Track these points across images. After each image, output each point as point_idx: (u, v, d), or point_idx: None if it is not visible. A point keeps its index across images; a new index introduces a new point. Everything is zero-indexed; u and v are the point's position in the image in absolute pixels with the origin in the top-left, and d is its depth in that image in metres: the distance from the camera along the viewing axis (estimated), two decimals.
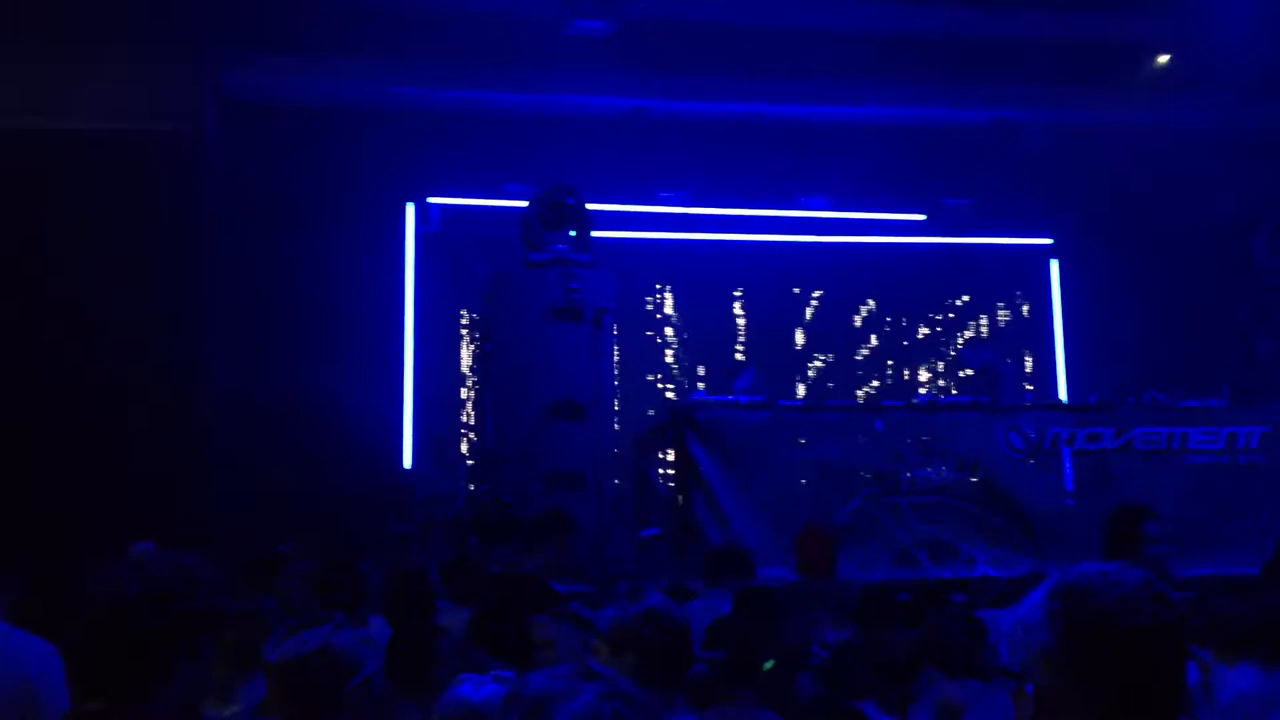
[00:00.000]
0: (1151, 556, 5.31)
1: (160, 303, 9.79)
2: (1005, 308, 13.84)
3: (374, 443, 11.41)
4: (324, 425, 10.65)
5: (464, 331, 12.49)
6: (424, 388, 12.01)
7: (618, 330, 10.35)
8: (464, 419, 12.26)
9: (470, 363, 12.36)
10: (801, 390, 13.10)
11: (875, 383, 13.38)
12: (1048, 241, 13.76)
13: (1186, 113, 12.33)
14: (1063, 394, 13.10)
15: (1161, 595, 1.83)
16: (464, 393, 12.36)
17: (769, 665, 4.26)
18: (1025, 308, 13.85)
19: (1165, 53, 12.29)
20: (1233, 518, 8.39)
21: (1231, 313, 11.62)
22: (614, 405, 10.19)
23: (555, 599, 5.22)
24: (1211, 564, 7.29)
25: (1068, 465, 8.72)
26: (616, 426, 10.19)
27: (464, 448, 12.07)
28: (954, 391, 12.53)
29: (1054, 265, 13.78)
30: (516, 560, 7.69)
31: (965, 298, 13.72)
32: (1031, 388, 13.27)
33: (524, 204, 10.08)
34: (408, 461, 11.71)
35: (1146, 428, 8.80)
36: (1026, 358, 13.70)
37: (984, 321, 13.73)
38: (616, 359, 10.66)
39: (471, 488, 9.69)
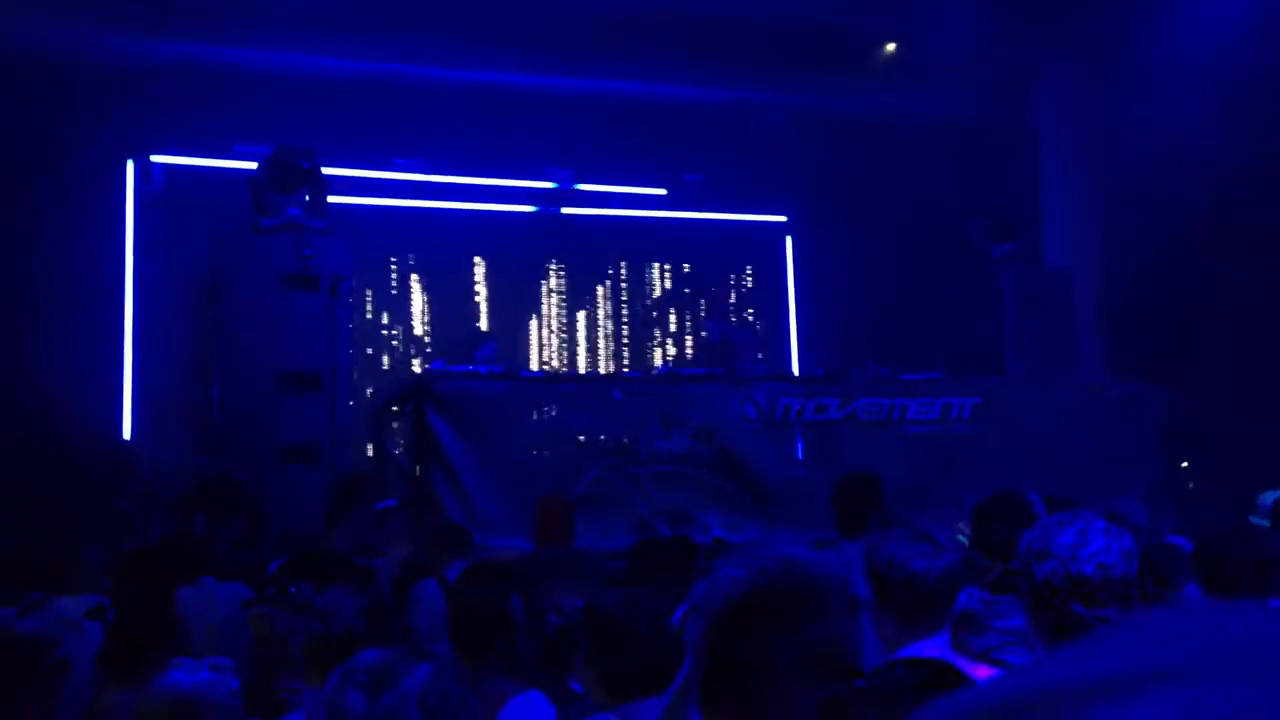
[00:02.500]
0: (892, 518, 5.58)
1: None
2: (742, 282, 14.21)
3: (91, 414, 10.75)
4: (35, 395, 9.96)
5: (190, 298, 11.89)
6: (146, 356, 11.37)
7: (355, 299, 10.08)
8: (190, 389, 11.69)
9: (197, 330, 11.78)
10: (541, 361, 13.12)
11: (615, 353, 13.52)
12: (782, 219, 14.20)
13: (912, 100, 12.92)
14: (795, 367, 13.57)
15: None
16: (190, 362, 11.78)
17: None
18: (760, 282, 14.25)
19: (892, 42, 12.83)
20: (946, 484, 8.87)
21: (949, 291, 12.27)
22: (351, 376, 9.92)
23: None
24: (925, 527, 7.68)
25: (798, 435, 9.04)
26: (353, 399, 9.93)
27: (189, 419, 11.51)
28: (692, 363, 12.77)
29: (788, 242, 14.23)
30: (245, 536, 7.42)
31: (704, 271, 14.01)
32: (761, 356, 13.65)
33: (254, 166, 9.65)
34: (128, 433, 11.09)
35: (870, 399, 9.22)
36: (759, 330, 14.12)
37: (721, 295, 14.06)
38: (354, 328, 10.38)
39: (196, 461, 9.25)
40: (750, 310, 14.14)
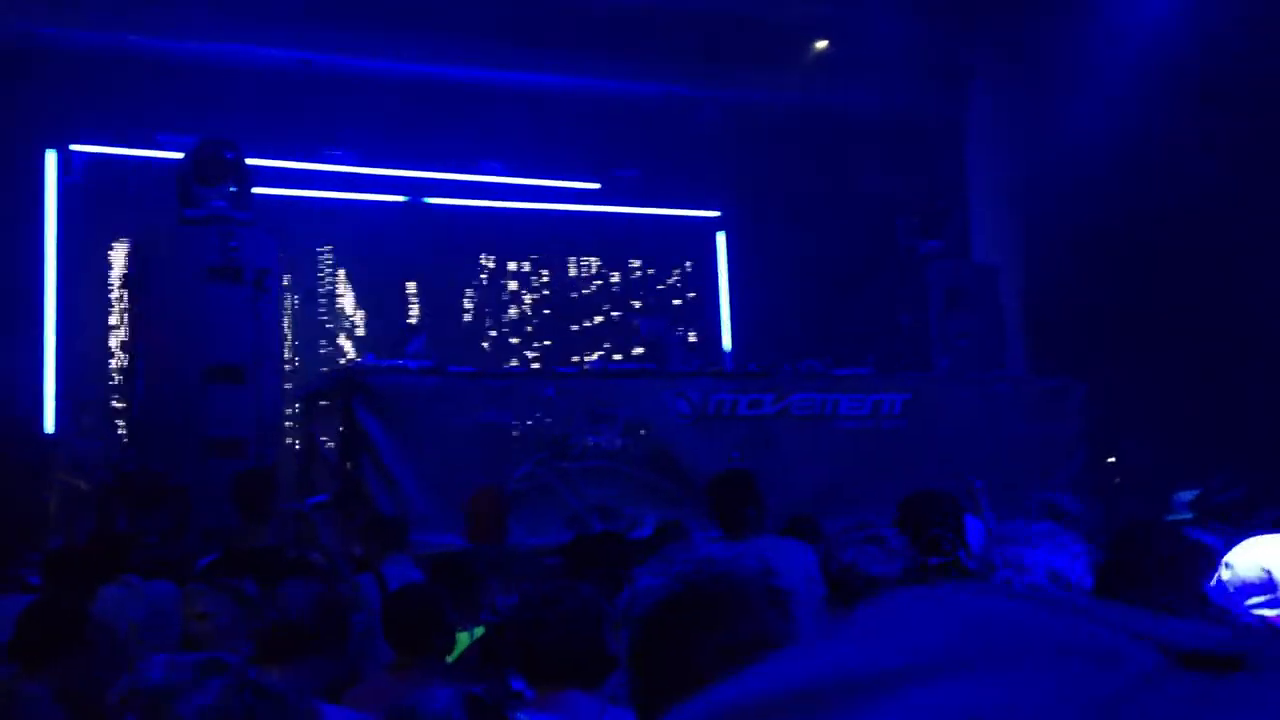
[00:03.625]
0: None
1: None
2: (674, 277, 14.22)
3: (12, 407, 10.50)
4: None
5: (112, 289, 11.66)
6: (68, 348, 11.13)
7: (284, 292, 9.94)
8: (113, 382, 11.47)
9: (120, 323, 11.56)
10: (472, 356, 13.02)
11: (547, 348, 13.46)
12: (715, 214, 14.23)
13: (843, 96, 13.01)
14: (728, 362, 13.60)
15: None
16: (113, 354, 11.56)
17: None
18: (693, 278, 14.27)
19: (824, 38, 12.92)
20: (877, 478, 8.95)
21: (879, 287, 12.38)
22: (279, 369, 9.79)
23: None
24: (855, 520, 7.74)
25: (731, 430, 9.07)
26: (280, 393, 9.80)
27: (113, 412, 11.30)
28: (623, 358, 12.76)
29: (720, 237, 14.26)
30: (168, 529, 7.31)
31: (636, 266, 14.00)
32: (694, 350, 13.64)
33: (178, 156, 9.47)
34: (50, 427, 10.85)
35: (803, 394, 9.28)
36: (692, 328, 14.13)
37: (654, 290, 14.06)
38: (280, 321, 10.24)
39: (117, 456, 9.08)
40: (680, 302, 14.14)
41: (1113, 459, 10.70)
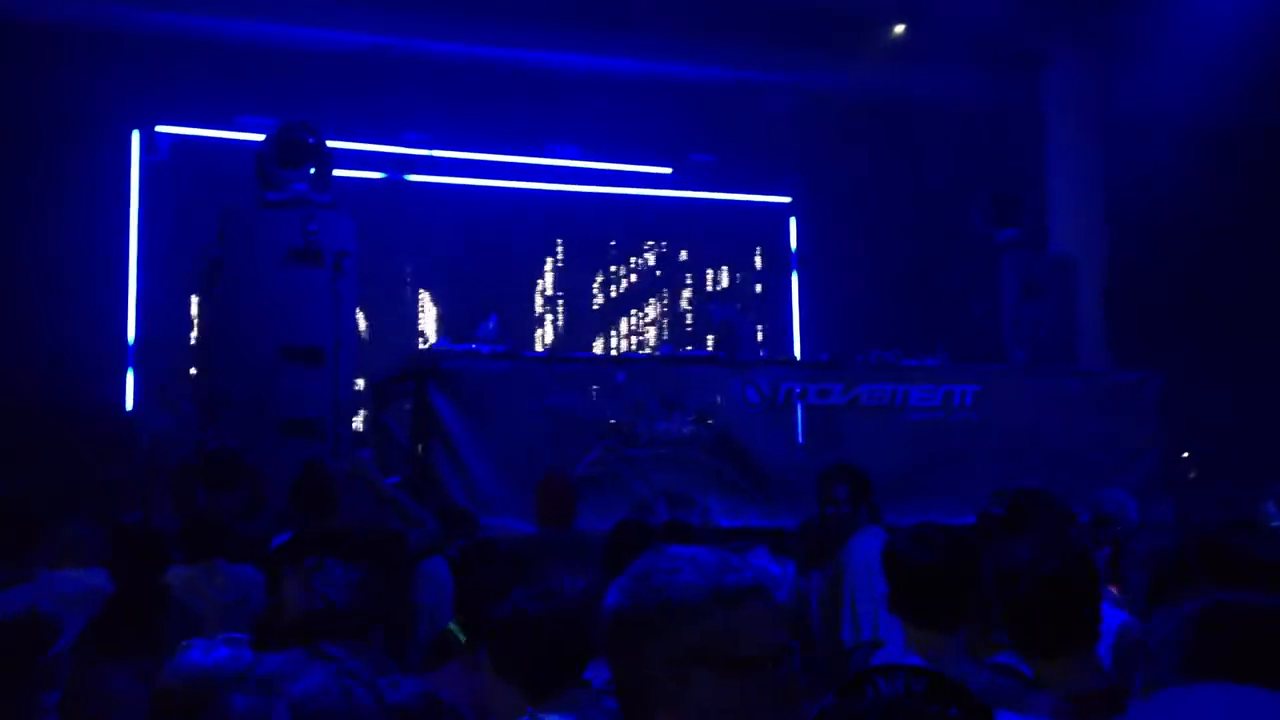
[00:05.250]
0: (829, 515, 5.68)
1: None
2: (745, 263, 14.18)
3: (93, 384, 10.76)
4: (38, 365, 9.97)
5: (194, 269, 11.88)
6: (150, 327, 11.38)
7: (359, 274, 10.04)
8: (193, 361, 11.71)
9: (200, 302, 11.78)
10: (544, 340, 13.11)
11: (618, 334, 13.51)
12: (786, 200, 14.16)
13: (919, 82, 12.88)
14: (797, 350, 13.56)
15: None
16: (193, 333, 11.79)
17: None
18: (764, 264, 14.23)
19: (901, 23, 12.79)
20: (946, 470, 8.90)
21: (952, 276, 12.26)
22: (354, 351, 9.92)
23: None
24: (925, 513, 7.71)
25: (799, 420, 9.05)
26: (355, 375, 9.94)
27: (192, 392, 11.52)
28: (694, 345, 12.76)
29: (792, 223, 14.20)
30: (243, 509, 7.43)
31: (707, 252, 13.98)
32: (761, 339, 13.64)
33: (257, 137, 9.63)
34: (130, 404, 11.10)
35: (872, 385, 9.21)
36: (762, 315, 14.09)
37: (724, 276, 14.04)
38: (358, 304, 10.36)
39: (197, 434, 9.26)
40: (753, 293, 14.10)
41: (1187, 454, 10.53)
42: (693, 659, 1.74)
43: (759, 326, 13.52)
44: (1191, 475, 10.33)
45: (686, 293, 13.83)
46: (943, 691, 1.55)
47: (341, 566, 3.52)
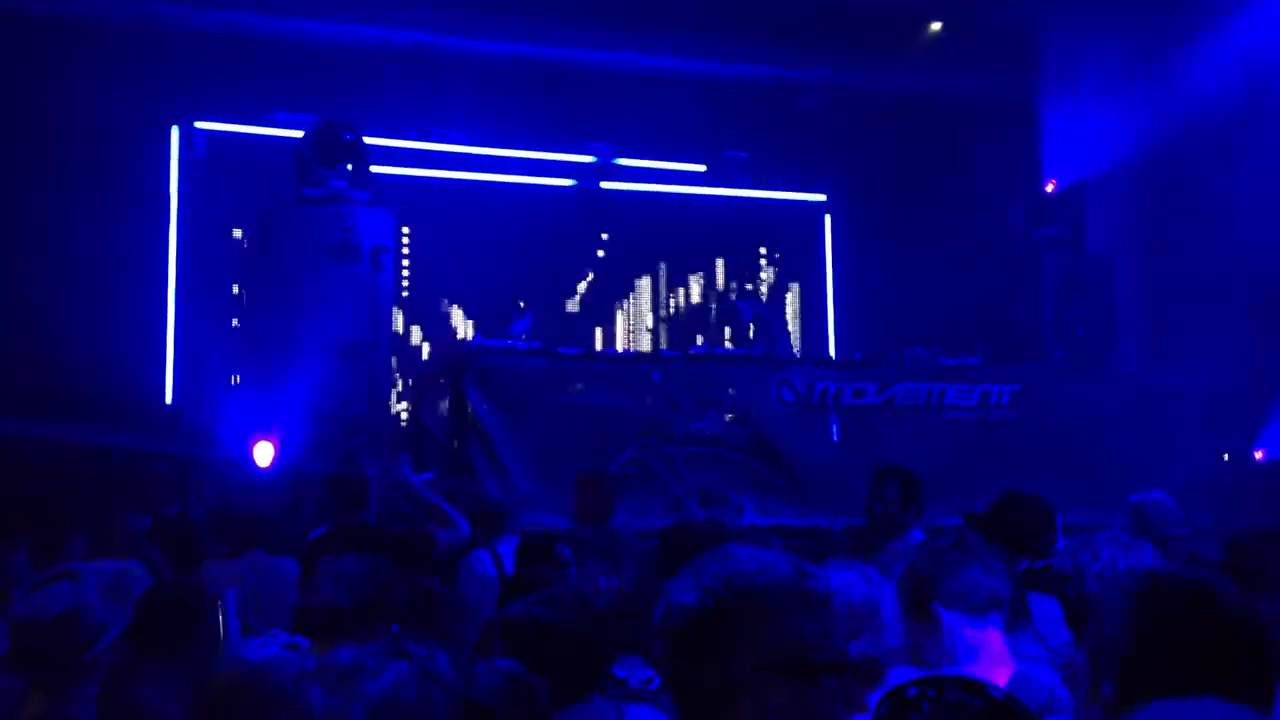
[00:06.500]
0: (878, 513, 5.67)
1: None
2: (780, 261, 14.13)
3: (133, 379, 10.85)
4: (79, 360, 10.05)
5: (233, 264, 11.96)
6: (188, 321, 11.46)
7: (395, 270, 10.10)
8: (231, 356, 11.77)
9: (239, 298, 11.87)
10: (579, 337, 13.09)
11: (652, 331, 13.50)
12: (821, 198, 14.10)
13: (955, 80, 12.81)
14: (831, 349, 13.51)
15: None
16: (232, 328, 11.86)
17: None
18: (799, 262, 14.17)
19: (937, 21, 12.71)
20: (983, 470, 8.83)
21: (988, 275, 12.18)
22: (390, 347, 9.96)
23: None
24: (960, 514, 7.66)
25: (834, 419, 9.02)
26: (392, 370, 9.98)
27: (230, 385, 11.61)
28: (729, 344, 12.74)
29: (827, 221, 14.14)
30: (283, 503, 7.46)
31: (741, 249, 13.94)
32: (794, 335, 13.59)
33: (295, 134, 9.68)
34: (169, 398, 11.19)
35: (908, 384, 9.17)
36: (796, 313, 14.05)
37: (759, 274, 14.00)
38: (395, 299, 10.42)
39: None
40: (788, 291, 14.06)
41: (1226, 456, 10.40)
42: (771, 661, 1.72)
43: (790, 326, 13.48)
44: (1232, 480, 10.21)
45: (722, 290, 13.80)
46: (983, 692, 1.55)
47: (354, 560, 3.55)
